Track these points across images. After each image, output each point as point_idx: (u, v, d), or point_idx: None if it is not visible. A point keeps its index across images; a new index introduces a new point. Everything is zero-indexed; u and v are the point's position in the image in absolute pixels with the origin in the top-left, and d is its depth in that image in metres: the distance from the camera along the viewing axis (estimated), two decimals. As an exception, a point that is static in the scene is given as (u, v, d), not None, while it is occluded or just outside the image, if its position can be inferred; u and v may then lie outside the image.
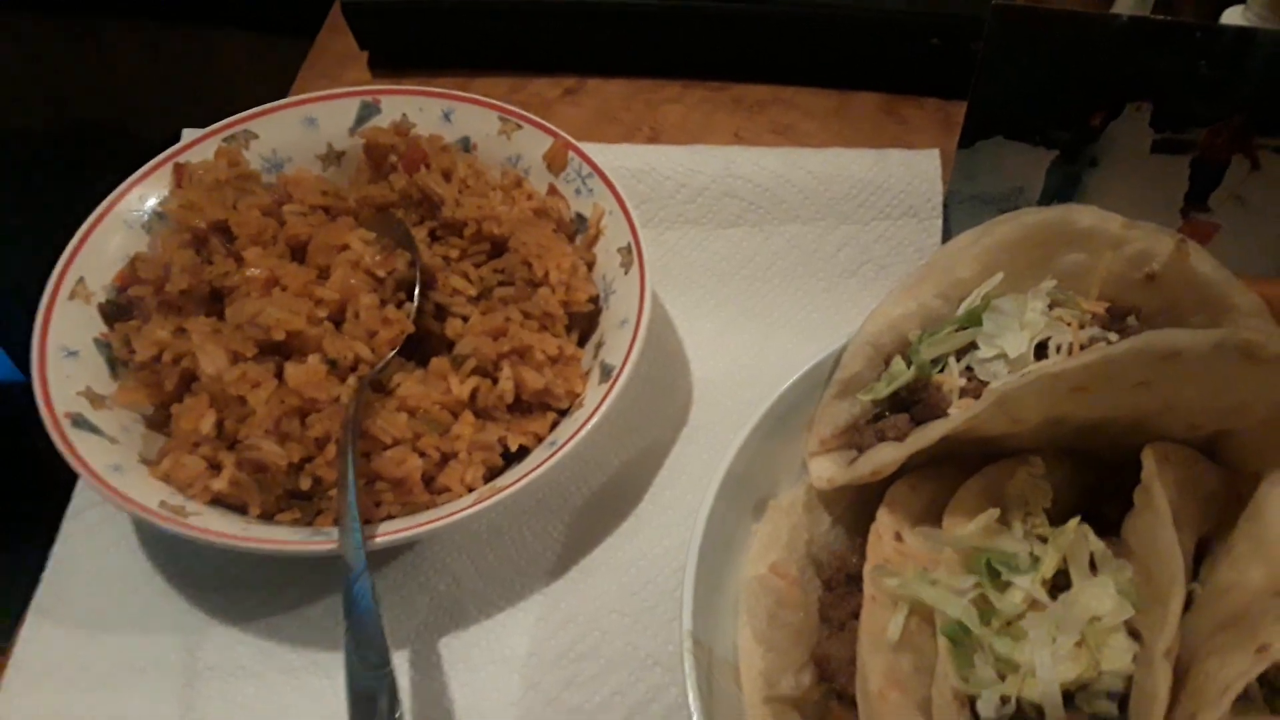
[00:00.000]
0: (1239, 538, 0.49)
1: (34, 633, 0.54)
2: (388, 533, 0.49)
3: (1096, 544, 0.47)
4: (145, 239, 0.61)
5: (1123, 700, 0.44)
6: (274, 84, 0.81)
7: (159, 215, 0.62)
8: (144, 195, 0.62)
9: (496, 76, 0.82)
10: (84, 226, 0.59)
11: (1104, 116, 0.65)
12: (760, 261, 0.68)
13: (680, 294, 0.67)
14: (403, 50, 0.82)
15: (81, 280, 0.58)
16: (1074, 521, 0.47)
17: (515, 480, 0.51)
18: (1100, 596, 0.45)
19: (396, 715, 0.42)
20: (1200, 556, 0.50)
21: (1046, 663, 0.43)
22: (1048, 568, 0.46)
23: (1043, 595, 0.46)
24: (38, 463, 0.60)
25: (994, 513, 0.48)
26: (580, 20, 0.80)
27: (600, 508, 0.58)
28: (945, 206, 0.69)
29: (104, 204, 0.60)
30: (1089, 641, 0.44)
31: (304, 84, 0.82)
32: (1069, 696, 0.44)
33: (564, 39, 0.81)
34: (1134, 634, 0.45)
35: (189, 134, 0.68)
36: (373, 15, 0.78)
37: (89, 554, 0.57)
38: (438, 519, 0.49)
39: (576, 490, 0.58)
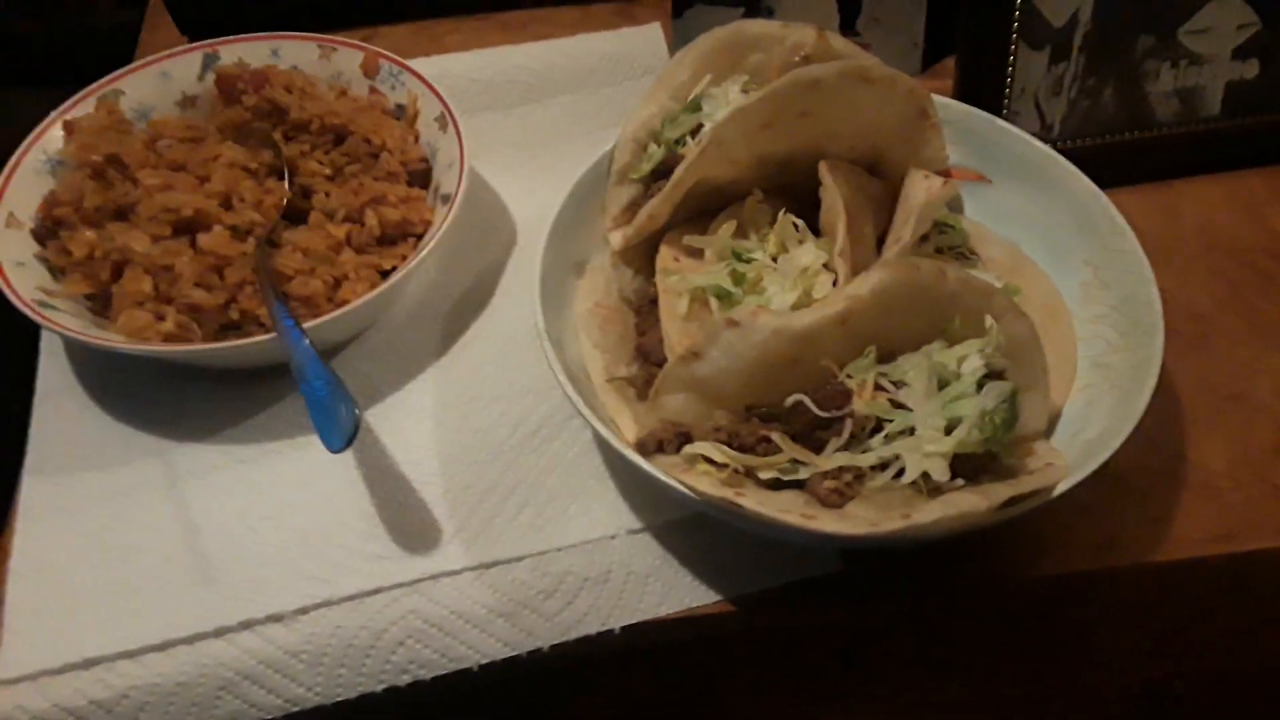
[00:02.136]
0: (896, 216, 0.72)
1: (32, 484, 0.68)
2: (312, 324, 0.66)
3: (800, 224, 0.69)
4: (51, 181, 0.75)
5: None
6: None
7: (59, 162, 0.76)
8: (43, 148, 0.76)
9: (302, 38, 0.97)
10: (2, 175, 0.73)
11: (769, -26, 0.89)
12: (545, 127, 0.88)
13: (489, 164, 0.86)
14: (218, 28, 0.95)
15: (11, 213, 0.72)
16: (782, 213, 0.69)
17: (396, 276, 0.69)
18: (805, 253, 0.67)
19: (356, 413, 0.59)
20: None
21: (778, 292, 0.65)
22: (772, 247, 0.68)
23: (772, 264, 0.68)
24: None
25: (733, 224, 0.70)
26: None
27: (463, 307, 0.77)
28: (673, 65, 0.92)
29: (13, 159, 0.74)
30: (802, 284, 0.66)
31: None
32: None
33: (353, -3, 0.99)
34: (833, 273, 0.67)
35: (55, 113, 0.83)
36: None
37: (62, 421, 0.71)
38: (345, 309, 0.67)
39: (441, 301, 0.77)
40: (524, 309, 0.75)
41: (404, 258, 0.73)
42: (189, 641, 0.61)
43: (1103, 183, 0.72)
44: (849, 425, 0.56)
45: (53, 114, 0.78)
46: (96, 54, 1.59)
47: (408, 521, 0.66)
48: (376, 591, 0.63)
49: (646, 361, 0.69)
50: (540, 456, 0.69)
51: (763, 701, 0.75)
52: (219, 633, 0.61)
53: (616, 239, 0.73)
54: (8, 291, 0.67)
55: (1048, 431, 0.65)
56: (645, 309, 0.72)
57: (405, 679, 0.62)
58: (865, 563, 0.64)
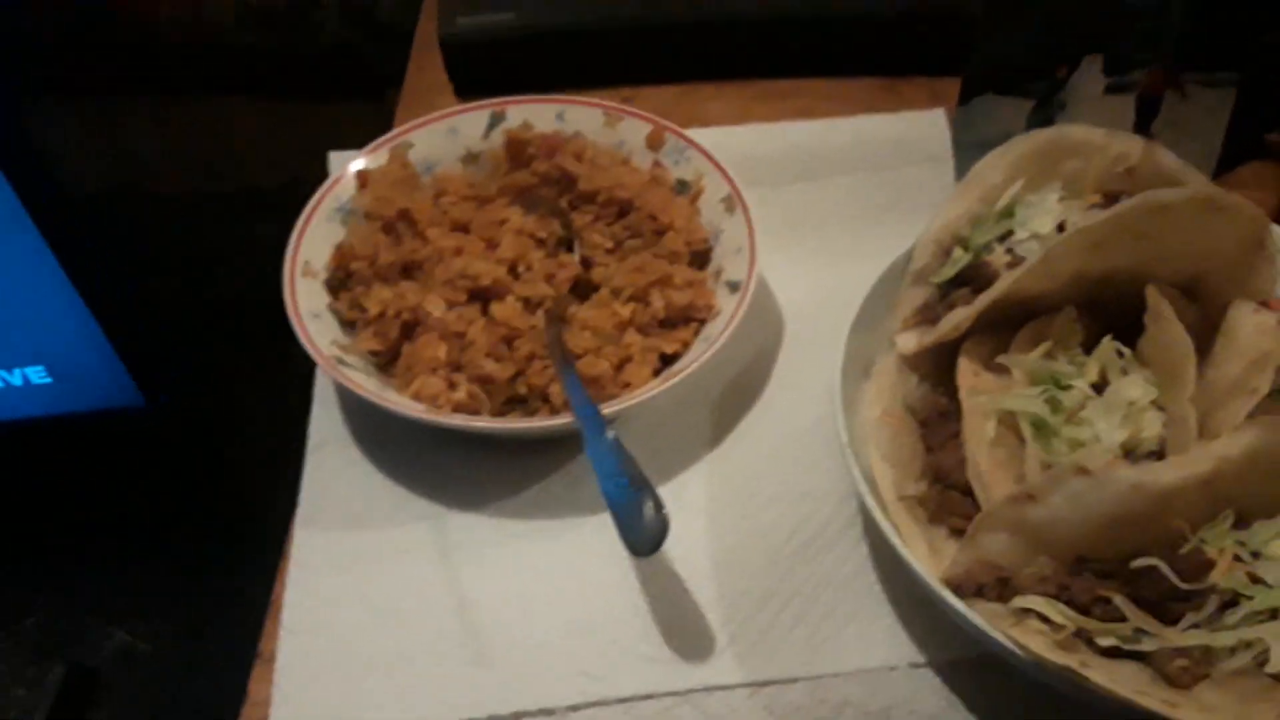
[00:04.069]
0: (1217, 350, 0.67)
1: (305, 536, 0.68)
2: (604, 408, 0.64)
3: (1126, 352, 0.64)
4: (341, 230, 0.76)
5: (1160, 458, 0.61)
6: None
7: (349, 211, 0.77)
8: (337, 196, 0.77)
9: (564, 92, 0.97)
10: (299, 222, 0.74)
11: (1067, 69, 0.85)
12: (818, 208, 0.85)
13: (758, 241, 0.84)
14: (485, 78, 0.97)
15: (308, 262, 0.73)
16: (1107, 339, 0.64)
17: (689, 365, 0.67)
18: (1133, 385, 0.62)
19: (664, 512, 0.57)
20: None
21: (1107, 428, 0.60)
22: (1092, 374, 0.64)
23: (1092, 393, 0.63)
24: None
25: (1048, 344, 0.66)
26: (631, 39, 0.97)
27: (735, 397, 0.74)
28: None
29: (310, 205, 0.76)
30: (1130, 419, 0.61)
31: (403, 119, 0.97)
32: (1123, 460, 0.61)
33: (618, 57, 0.98)
34: (1160, 410, 0.62)
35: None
36: (465, 50, 0.95)
37: (334, 476, 0.71)
38: (639, 397, 0.65)
39: (713, 387, 0.74)
40: (803, 405, 0.73)
41: (684, 342, 0.72)
42: (462, 726, 0.60)
43: None
44: (1213, 601, 0.51)
45: (342, 162, 0.79)
46: (323, 72, 1.65)
47: (681, 623, 0.63)
48: (649, 697, 0.61)
49: (940, 482, 0.65)
50: (815, 568, 0.66)
51: None
52: (491, 721, 0.60)
53: (909, 342, 0.70)
54: (310, 348, 0.67)
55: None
56: (933, 421, 0.68)
57: (673, 794, 0.59)
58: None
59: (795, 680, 0.62)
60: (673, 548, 0.66)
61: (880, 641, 0.63)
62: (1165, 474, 0.52)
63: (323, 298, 0.72)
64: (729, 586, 0.65)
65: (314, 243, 0.74)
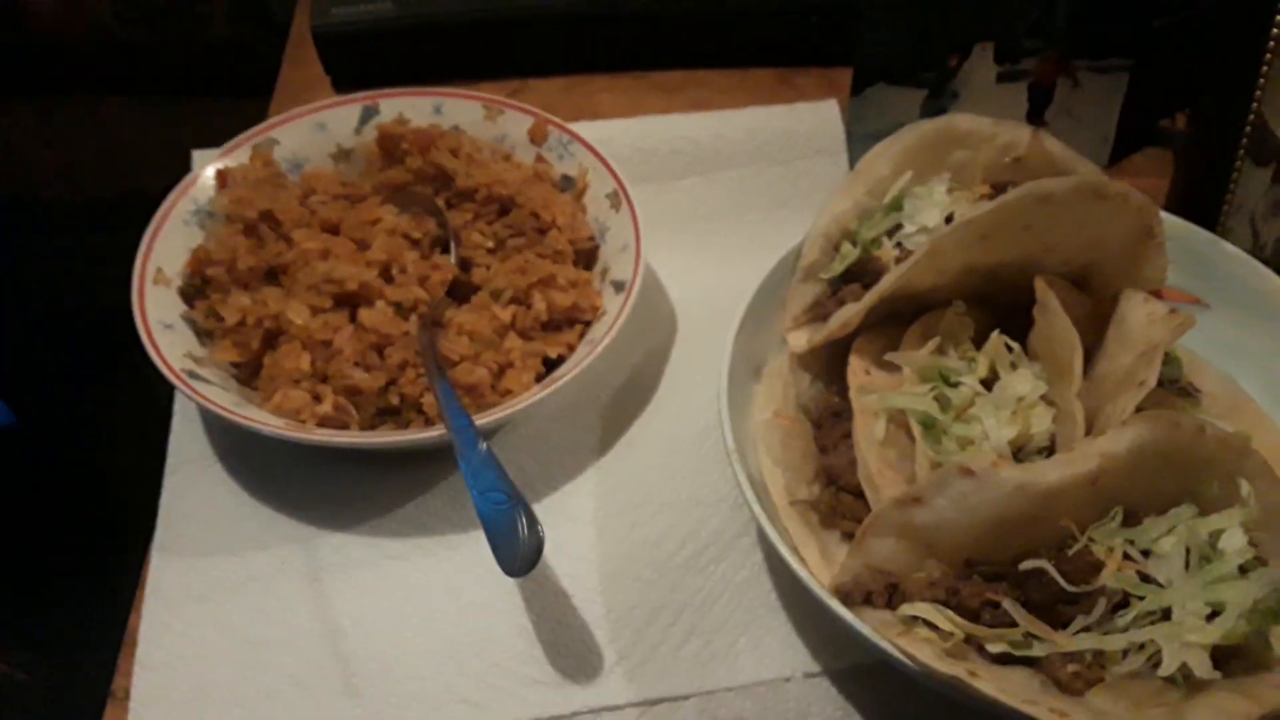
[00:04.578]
0: (1109, 341, 0.66)
1: (161, 563, 0.63)
2: (480, 418, 0.61)
3: (1014, 346, 0.63)
4: (200, 234, 0.71)
5: (1050, 454, 0.60)
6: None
7: (209, 213, 0.72)
8: (194, 198, 0.72)
9: (448, 85, 0.93)
10: (150, 227, 0.69)
11: (959, 58, 0.83)
12: (709, 203, 0.83)
13: (647, 238, 0.81)
14: (364, 71, 0.92)
15: (160, 269, 0.68)
16: (995, 334, 0.63)
17: (569, 371, 0.64)
18: (1021, 381, 0.61)
19: (539, 529, 0.53)
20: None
21: (995, 426, 0.58)
22: (981, 370, 0.62)
23: (981, 389, 0.61)
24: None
25: (937, 340, 0.64)
26: (518, 29, 0.93)
27: (625, 400, 0.71)
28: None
29: (162, 209, 0.70)
30: (1018, 415, 0.60)
31: (277, 112, 0.92)
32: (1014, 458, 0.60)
33: (505, 48, 0.94)
34: (1050, 405, 0.61)
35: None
36: (340, 41, 0.90)
37: (195, 498, 0.66)
38: (516, 406, 0.62)
39: (602, 391, 0.71)
40: (693, 408, 0.70)
41: (569, 345, 0.68)
42: (329, 764, 0.56)
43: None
44: (1101, 604, 0.49)
45: (205, 161, 0.74)
46: (210, 67, 1.58)
47: (567, 643, 0.60)
48: (532, 723, 0.58)
49: (833, 484, 0.63)
50: (707, 578, 0.63)
51: None
52: (361, 757, 0.56)
53: (800, 341, 0.67)
54: (158, 361, 0.62)
55: None
56: (826, 421, 0.66)
57: (558, 824, 0.56)
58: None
59: (687, 697, 0.59)
60: (559, 562, 0.63)
61: (774, 652, 0.61)
62: (1049, 473, 0.51)
63: (177, 306, 0.67)
64: (618, 601, 0.62)
65: (168, 248, 0.69)
